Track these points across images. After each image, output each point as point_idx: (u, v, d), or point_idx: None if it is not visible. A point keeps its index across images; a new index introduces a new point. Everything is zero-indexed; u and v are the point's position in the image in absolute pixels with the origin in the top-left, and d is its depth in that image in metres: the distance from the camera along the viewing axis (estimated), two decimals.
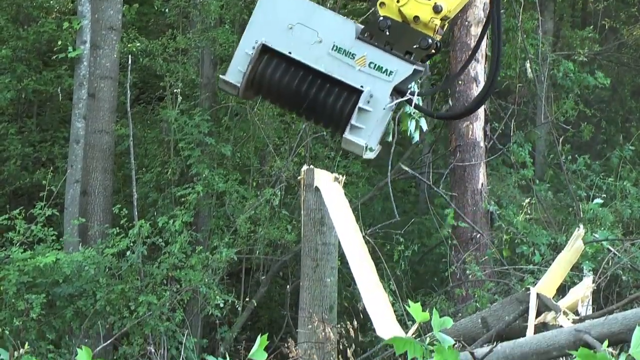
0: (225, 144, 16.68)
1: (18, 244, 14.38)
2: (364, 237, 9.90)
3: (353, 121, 6.19)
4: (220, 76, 6.45)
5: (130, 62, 16.71)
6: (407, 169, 15.91)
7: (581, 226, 10.04)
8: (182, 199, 15.47)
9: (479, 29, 14.88)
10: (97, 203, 16.11)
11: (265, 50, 6.31)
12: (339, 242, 9.75)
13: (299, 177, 10.40)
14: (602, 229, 14.00)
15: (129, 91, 16.69)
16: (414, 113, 8.41)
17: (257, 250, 16.21)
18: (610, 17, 22.06)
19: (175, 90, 17.15)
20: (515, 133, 16.97)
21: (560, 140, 17.16)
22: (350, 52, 6.21)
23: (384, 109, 6.19)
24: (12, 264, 13.93)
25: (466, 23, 15.39)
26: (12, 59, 20.31)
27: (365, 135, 6.21)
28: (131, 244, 14.40)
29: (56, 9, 22.13)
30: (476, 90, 15.23)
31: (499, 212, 15.39)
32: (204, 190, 15.73)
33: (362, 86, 6.16)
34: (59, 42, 17.76)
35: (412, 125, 9.78)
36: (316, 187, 9.87)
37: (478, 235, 15.08)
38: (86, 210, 16.04)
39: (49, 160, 20.72)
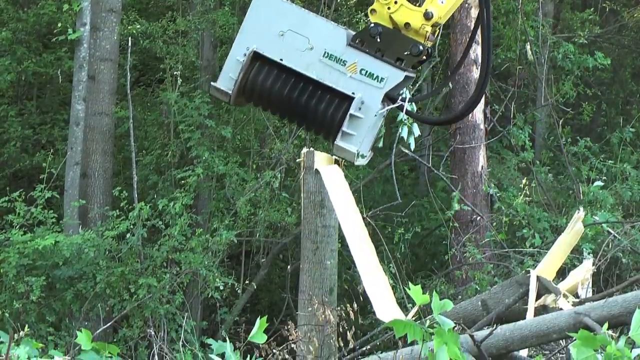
0: (225, 127, 16.64)
1: (18, 226, 14.39)
2: (364, 219, 9.89)
3: (344, 128, 6.23)
4: (212, 83, 6.48)
5: (130, 44, 16.67)
6: (407, 151, 15.86)
7: (581, 208, 10.06)
8: (182, 182, 15.46)
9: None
10: (97, 185, 16.11)
11: (256, 57, 6.33)
12: (339, 225, 9.74)
13: (298, 160, 10.36)
14: (602, 211, 13.99)
15: (129, 73, 16.66)
16: (405, 119, 8.43)
17: (257, 233, 16.19)
18: None
19: (175, 73, 17.09)
20: (515, 115, 16.94)
21: (561, 123, 17.14)
22: (341, 59, 6.23)
23: (376, 115, 6.23)
24: (12, 247, 13.95)
25: (466, 5, 15.35)
26: (12, 41, 20.23)
27: (357, 141, 6.26)
28: (131, 227, 14.41)
29: None
30: (476, 72, 15.21)
31: (499, 194, 15.38)
32: (204, 172, 15.71)
33: (353, 93, 6.20)
34: (59, 24, 17.66)
35: (404, 132, 9.79)
36: (316, 169, 9.84)
37: (478, 218, 15.09)
38: (86, 193, 16.03)
39: (48, 143, 20.67)
